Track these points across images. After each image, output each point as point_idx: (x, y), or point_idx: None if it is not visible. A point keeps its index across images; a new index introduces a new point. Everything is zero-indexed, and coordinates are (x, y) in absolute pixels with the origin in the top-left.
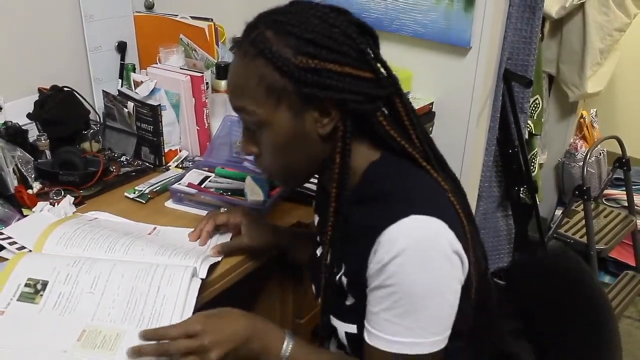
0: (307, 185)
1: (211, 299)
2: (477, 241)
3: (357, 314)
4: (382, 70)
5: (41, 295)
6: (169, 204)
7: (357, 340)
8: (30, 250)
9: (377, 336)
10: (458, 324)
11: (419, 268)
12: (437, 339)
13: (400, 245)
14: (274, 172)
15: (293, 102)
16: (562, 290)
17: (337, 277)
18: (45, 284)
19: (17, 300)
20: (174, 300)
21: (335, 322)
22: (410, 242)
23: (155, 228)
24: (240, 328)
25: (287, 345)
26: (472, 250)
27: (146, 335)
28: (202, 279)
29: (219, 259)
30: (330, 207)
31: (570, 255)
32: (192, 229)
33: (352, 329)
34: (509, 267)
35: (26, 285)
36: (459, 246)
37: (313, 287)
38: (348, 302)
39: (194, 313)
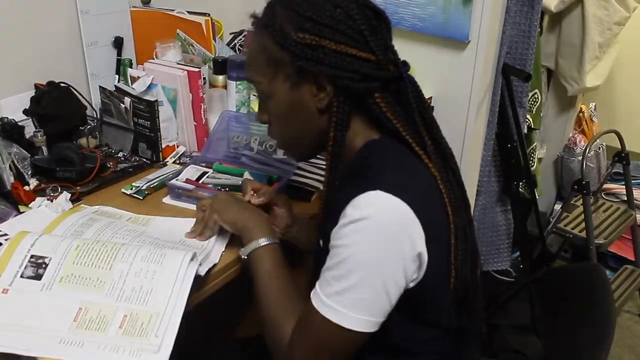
0: (304, 180)
1: (210, 294)
2: (468, 233)
3: None
4: (389, 53)
5: (45, 270)
6: (167, 200)
7: None
8: None
9: (316, 291)
10: (435, 314)
11: (369, 239)
12: (363, 319)
13: (359, 214)
14: (280, 141)
15: (290, 74)
16: (575, 289)
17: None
18: (49, 261)
19: (21, 277)
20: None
21: None
22: (370, 214)
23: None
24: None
25: (261, 242)
26: (456, 241)
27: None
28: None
29: (218, 260)
30: (325, 178)
31: (588, 263)
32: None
33: None
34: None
35: (30, 261)
36: (418, 238)
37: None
38: None
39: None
